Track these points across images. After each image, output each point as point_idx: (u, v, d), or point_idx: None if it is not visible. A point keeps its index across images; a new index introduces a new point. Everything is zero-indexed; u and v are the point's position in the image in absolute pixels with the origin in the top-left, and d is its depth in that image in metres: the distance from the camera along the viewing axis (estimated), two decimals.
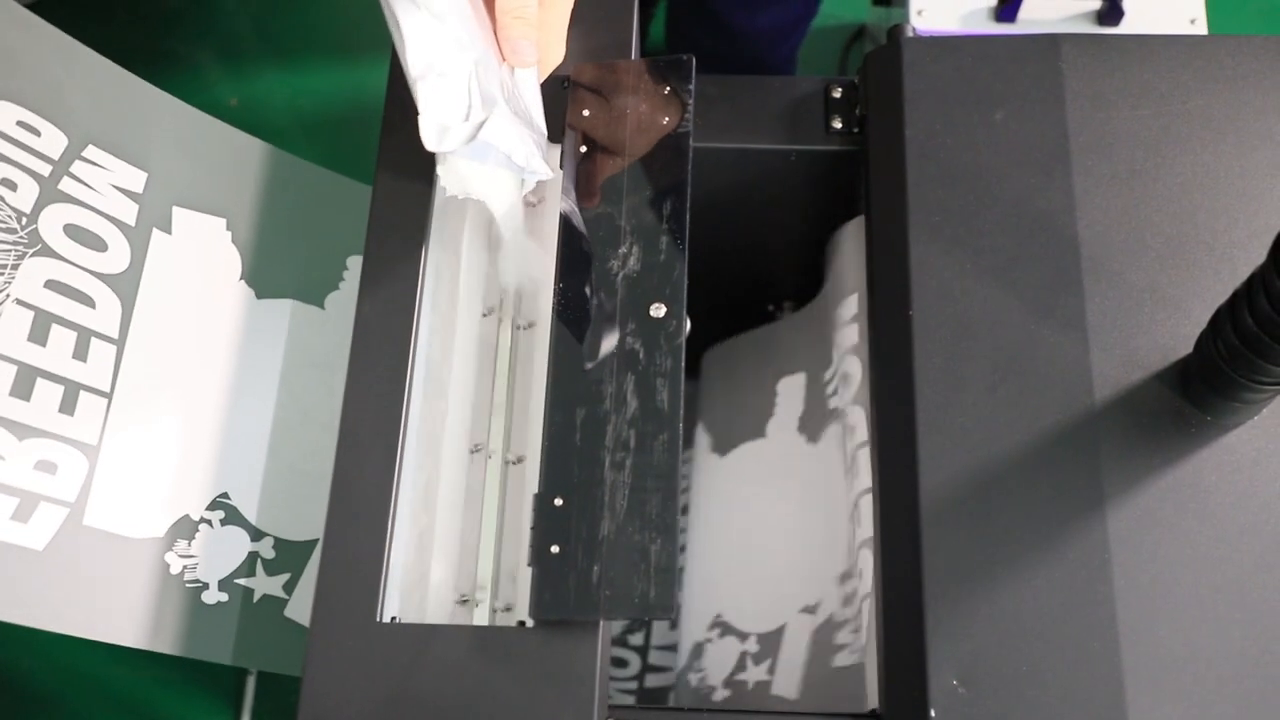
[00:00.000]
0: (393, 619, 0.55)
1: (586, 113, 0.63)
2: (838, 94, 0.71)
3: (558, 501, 0.54)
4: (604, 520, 0.53)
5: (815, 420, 0.83)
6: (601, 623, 0.53)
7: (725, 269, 0.84)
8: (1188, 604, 0.54)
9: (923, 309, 0.60)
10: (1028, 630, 0.53)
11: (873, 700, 0.63)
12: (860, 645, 0.67)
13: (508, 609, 0.58)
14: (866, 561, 0.65)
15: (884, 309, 0.62)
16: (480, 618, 0.57)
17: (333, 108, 1.47)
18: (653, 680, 0.93)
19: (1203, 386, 0.56)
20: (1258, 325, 0.50)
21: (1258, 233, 0.61)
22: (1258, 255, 0.49)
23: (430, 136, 0.53)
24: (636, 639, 0.94)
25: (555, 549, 0.53)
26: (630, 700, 0.92)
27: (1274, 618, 0.53)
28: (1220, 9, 1.39)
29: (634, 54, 0.66)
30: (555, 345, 0.58)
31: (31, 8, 0.67)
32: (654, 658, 0.94)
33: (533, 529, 0.54)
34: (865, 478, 0.66)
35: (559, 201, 0.61)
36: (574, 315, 0.58)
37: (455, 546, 0.59)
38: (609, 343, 0.57)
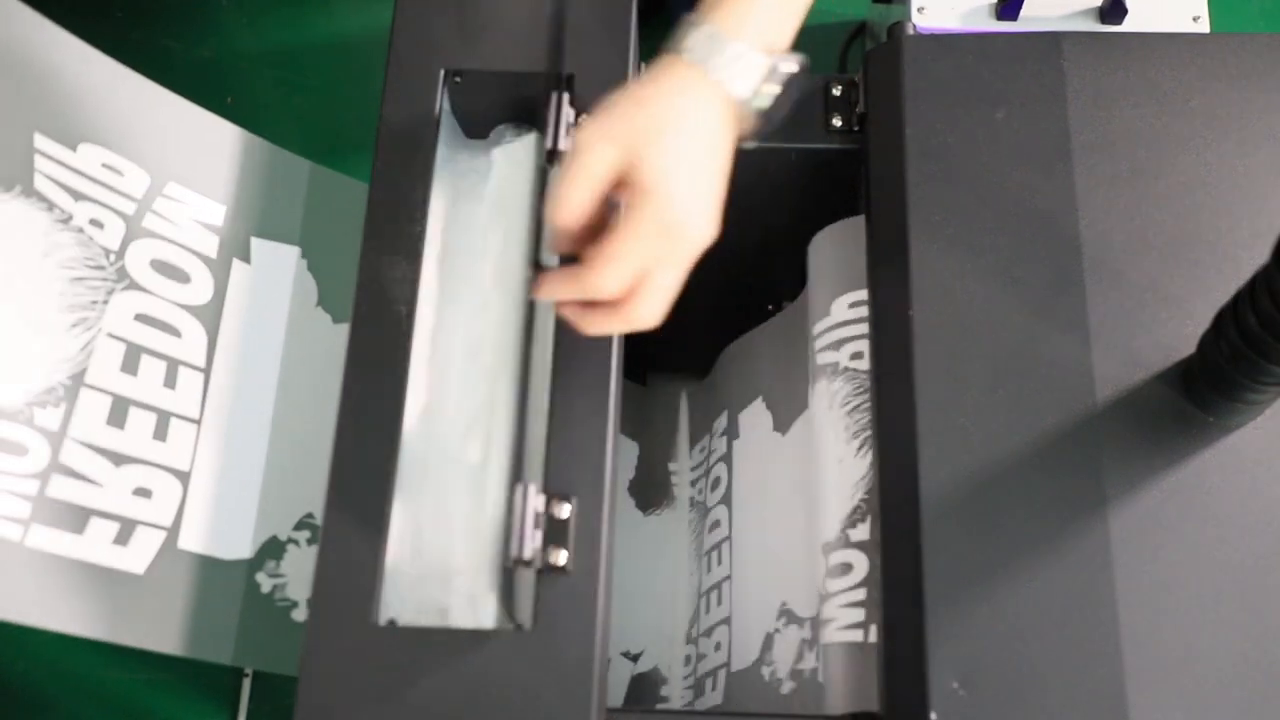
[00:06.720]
0: (390, 621, 0.54)
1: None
2: (838, 92, 0.71)
3: (556, 501, 0.54)
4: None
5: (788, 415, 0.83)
6: (599, 624, 0.53)
7: (725, 269, 0.83)
8: (1189, 605, 0.53)
9: (923, 308, 0.60)
10: (1028, 632, 0.53)
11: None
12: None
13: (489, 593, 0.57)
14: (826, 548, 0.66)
15: (884, 308, 0.62)
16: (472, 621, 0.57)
17: (329, 106, 1.47)
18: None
19: (1205, 387, 0.56)
20: (1261, 325, 0.49)
21: (1260, 232, 0.60)
22: (1261, 255, 0.49)
23: None
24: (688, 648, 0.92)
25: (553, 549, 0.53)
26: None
27: (1276, 619, 0.53)
28: (1223, 7, 1.39)
29: (632, 61, 0.66)
30: (557, 340, 0.57)
31: (28, 3, 0.67)
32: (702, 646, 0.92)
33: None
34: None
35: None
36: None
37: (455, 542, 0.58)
38: None
